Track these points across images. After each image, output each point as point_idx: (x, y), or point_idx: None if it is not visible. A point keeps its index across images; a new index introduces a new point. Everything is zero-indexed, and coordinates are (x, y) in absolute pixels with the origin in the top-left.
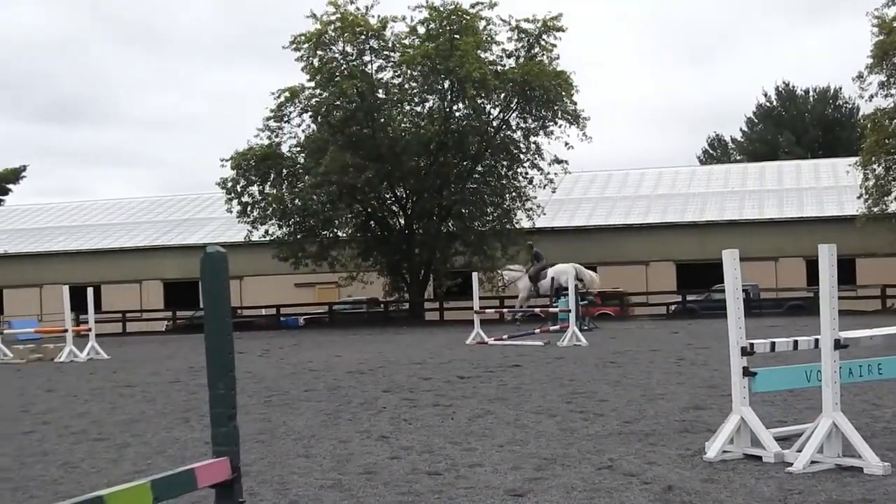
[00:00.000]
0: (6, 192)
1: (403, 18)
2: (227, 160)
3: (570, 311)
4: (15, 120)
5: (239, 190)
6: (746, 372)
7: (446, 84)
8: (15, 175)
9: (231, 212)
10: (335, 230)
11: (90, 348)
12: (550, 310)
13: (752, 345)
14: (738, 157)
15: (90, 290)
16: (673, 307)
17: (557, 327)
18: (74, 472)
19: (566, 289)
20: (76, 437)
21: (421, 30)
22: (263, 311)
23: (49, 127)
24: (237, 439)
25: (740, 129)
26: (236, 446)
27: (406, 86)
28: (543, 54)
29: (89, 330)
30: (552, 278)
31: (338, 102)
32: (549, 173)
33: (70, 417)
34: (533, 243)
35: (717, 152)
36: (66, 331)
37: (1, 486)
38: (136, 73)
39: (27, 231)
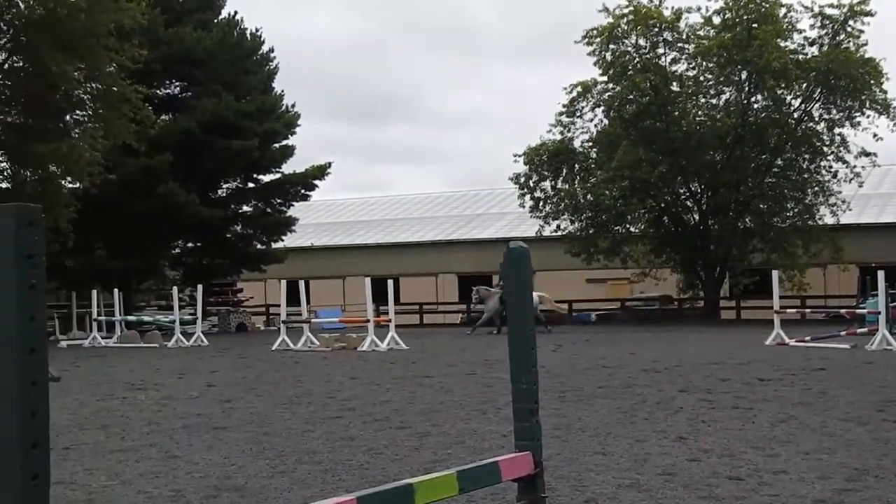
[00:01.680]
0: (313, 188)
1: (698, 9)
2: (520, 156)
3: (879, 313)
4: (324, 119)
5: (532, 185)
6: None
7: (743, 75)
8: (321, 172)
9: (524, 207)
10: (627, 225)
11: (390, 339)
12: (857, 311)
13: None
14: None
15: (390, 283)
16: None
17: (865, 330)
18: (379, 458)
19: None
20: (379, 425)
21: (716, 20)
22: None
23: (354, 125)
24: (539, 434)
25: None
26: (538, 441)
27: (701, 78)
28: (849, 41)
29: (389, 321)
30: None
31: (631, 96)
32: (855, 166)
33: (373, 405)
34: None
35: None
36: (367, 321)
37: (312, 469)
38: (436, 72)
39: (331, 225)
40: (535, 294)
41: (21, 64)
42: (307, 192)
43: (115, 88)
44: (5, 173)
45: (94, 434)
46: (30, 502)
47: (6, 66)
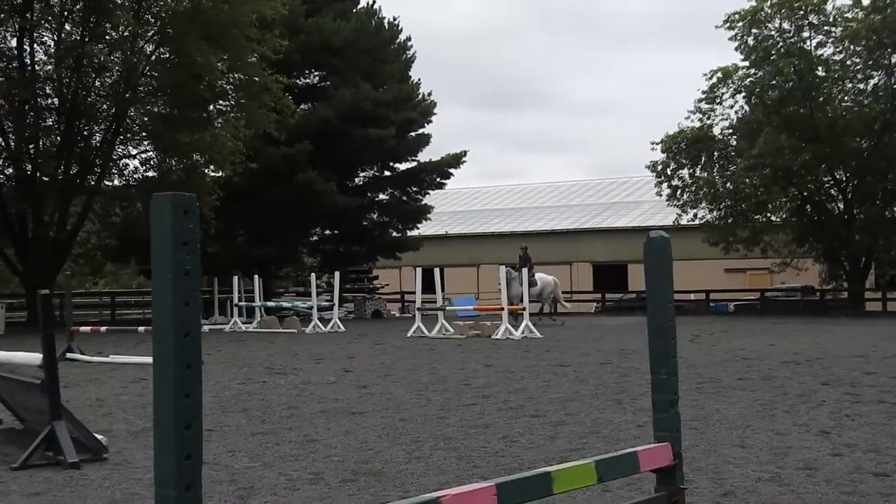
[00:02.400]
0: (448, 176)
1: None
2: (657, 143)
3: None
4: (459, 107)
5: (669, 173)
6: None
7: (894, 59)
8: (456, 160)
9: (660, 195)
10: (768, 214)
11: (524, 327)
12: None
13: None
14: None
15: (524, 271)
16: None
17: None
18: (514, 446)
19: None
20: (514, 413)
21: (866, 1)
22: (692, 296)
23: (489, 113)
24: (678, 425)
25: None
26: (678, 432)
27: (848, 62)
28: None
29: (523, 309)
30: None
31: (773, 82)
32: None
33: (508, 393)
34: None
35: None
36: (501, 309)
37: (448, 455)
38: (571, 58)
39: (466, 213)
40: (542, 277)
41: (167, 55)
42: (442, 181)
43: (256, 78)
44: (151, 162)
45: (235, 417)
46: (184, 481)
47: (153, 57)
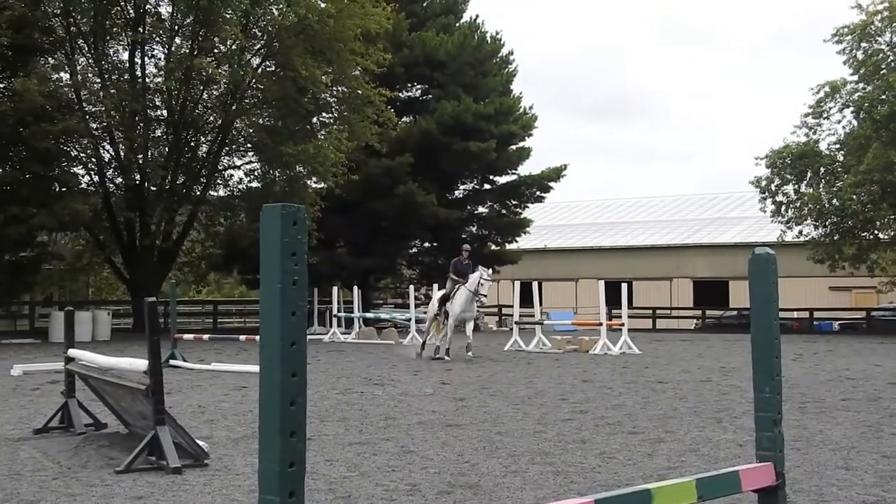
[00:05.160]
0: (548, 189)
1: None
2: (762, 158)
3: None
4: (561, 119)
5: (773, 189)
6: None
7: None
8: (557, 174)
9: (764, 211)
10: (875, 232)
11: (623, 342)
12: None
13: None
14: None
15: (624, 286)
16: None
17: None
18: (611, 463)
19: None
20: (612, 429)
21: None
22: (796, 314)
23: (591, 125)
24: (781, 445)
25: None
26: (781, 452)
27: None
28: None
29: (622, 324)
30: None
31: (883, 97)
32: None
33: (605, 409)
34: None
35: None
36: (600, 324)
37: (544, 470)
38: (676, 71)
39: (565, 227)
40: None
41: (273, 68)
42: (542, 194)
43: (359, 91)
44: (256, 173)
45: (334, 426)
46: (287, 487)
47: (259, 70)
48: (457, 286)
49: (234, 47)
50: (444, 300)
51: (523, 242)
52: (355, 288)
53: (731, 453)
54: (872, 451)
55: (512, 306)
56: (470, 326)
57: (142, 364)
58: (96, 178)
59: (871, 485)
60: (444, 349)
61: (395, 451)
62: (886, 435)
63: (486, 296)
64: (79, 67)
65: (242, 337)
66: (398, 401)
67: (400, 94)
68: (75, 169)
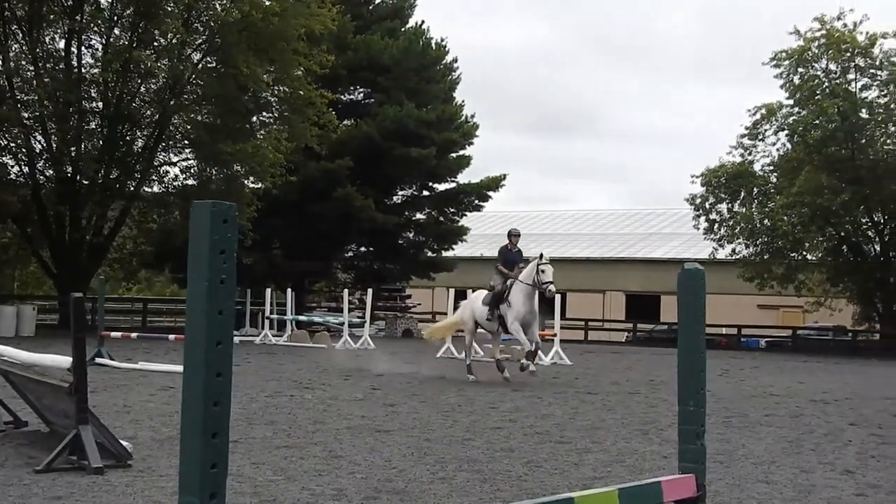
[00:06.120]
0: (487, 199)
1: (894, 35)
2: (697, 176)
3: None
4: (502, 130)
5: (707, 207)
6: None
7: None
8: (496, 183)
9: (698, 228)
10: (804, 253)
11: (554, 353)
12: None
13: None
14: None
15: (557, 297)
16: None
17: None
18: (538, 471)
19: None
20: (540, 438)
21: None
22: (724, 330)
23: (531, 138)
24: (703, 457)
25: None
26: (702, 464)
27: (893, 106)
28: None
29: (554, 335)
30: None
31: (817, 121)
32: None
33: (534, 418)
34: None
35: None
36: None
37: (471, 477)
38: (618, 87)
39: (501, 237)
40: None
41: (214, 64)
42: (481, 203)
43: (301, 92)
44: (193, 170)
45: (261, 429)
46: (207, 489)
47: (200, 66)
48: (509, 282)
49: (174, 41)
50: (498, 300)
51: (460, 250)
52: (289, 290)
53: (656, 465)
54: (792, 466)
55: (446, 314)
56: (533, 332)
57: (66, 361)
58: (26, 170)
59: (790, 499)
60: (503, 364)
61: (323, 455)
62: (806, 450)
63: (552, 282)
64: (11, 54)
65: (172, 336)
66: (328, 405)
67: (342, 97)
68: (4, 159)
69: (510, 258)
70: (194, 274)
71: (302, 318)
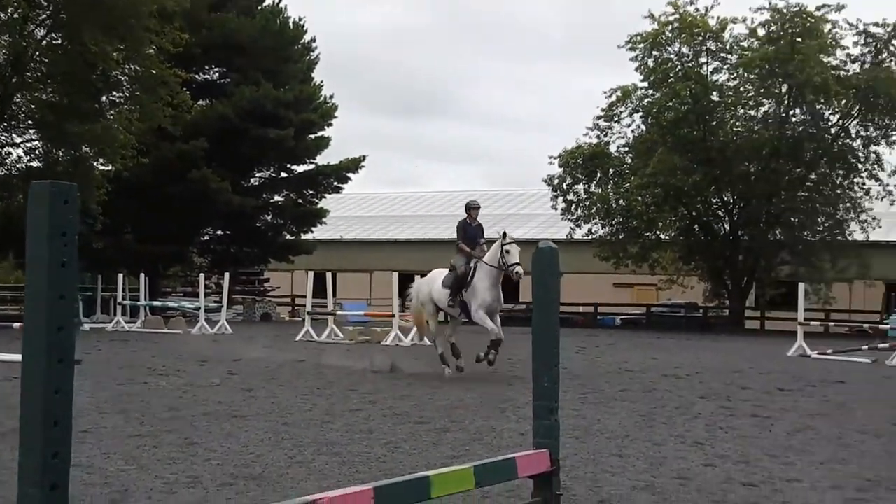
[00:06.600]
0: (346, 180)
1: (744, 20)
2: (555, 158)
3: None
4: (361, 112)
5: (565, 188)
6: None
7: (784, 88)
8: (355, 165)
9: (555, 209)
10: (658, 232)
11: (414, 333)
12: (880, 327)
13: None
14: None
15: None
16: None
17: (887, 345)
18: (397, 452)
19: None
20: (399, 419)
21: (761, 32)
22: (581, 309)
23: (391, 119)
24: (557, 433)
25: None
26: (556, 440)
27: (742, 89)
28: (892, 60)
29: None
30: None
31: (670, 104)
32: (888, 185)
33: (394, 399)
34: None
35: None
36: (393, 316)
37: (330, 460)
38: (479, 69)
39: (362, 219)
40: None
41: (60, 41)
42: (340, 185)
43: (153, 71)
44: (38, 152)
45: (113, 418)
46: (49, 480)
47: (45, 42)
48: (473, 263)
49: (15, 16)
50: (461, 285)
51: (319, 233)
52: (142, 275)
53: (514, 442)
54: (645, 440)
55: (305, 297)
56: (496, 321)
57: None
58: None
59: (642, 471)
60: (456, 356)
61: (178, 443)
62: (658, 424)
63: (519, 264)
64: None
65: (17, 325)
66: (183, 391)
67: (197, 77)
68: None
69: (470, 233)
70: (34, 257)
71: (156, 303)
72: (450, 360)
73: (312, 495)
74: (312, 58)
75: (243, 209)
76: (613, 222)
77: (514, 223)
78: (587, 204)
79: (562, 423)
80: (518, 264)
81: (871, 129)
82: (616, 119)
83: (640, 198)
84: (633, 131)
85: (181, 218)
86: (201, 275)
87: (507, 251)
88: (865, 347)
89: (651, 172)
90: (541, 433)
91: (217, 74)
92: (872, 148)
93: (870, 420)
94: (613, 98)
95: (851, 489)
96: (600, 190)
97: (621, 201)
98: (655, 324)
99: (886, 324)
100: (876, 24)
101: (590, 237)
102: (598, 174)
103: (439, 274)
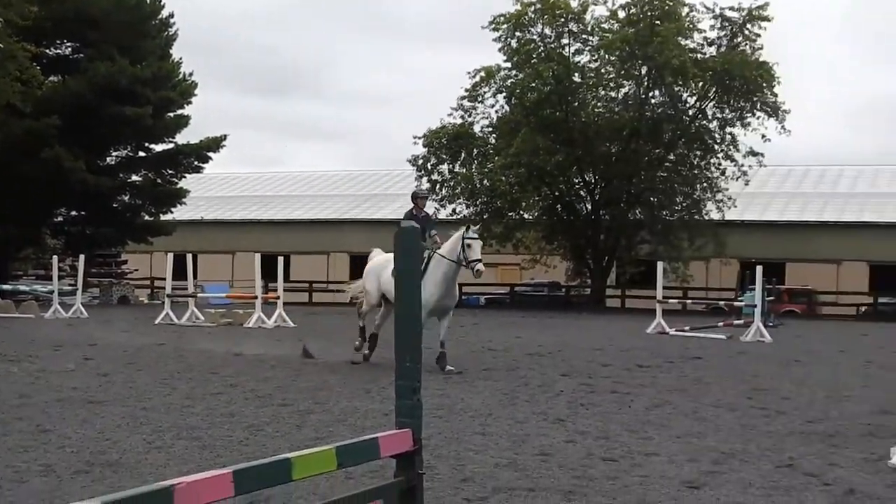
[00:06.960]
0: (206, 160)
1: (605, 2)
2: (419, 138)
3: (755, 306)
4: (223, 90)
5: (429, 168)
6: None
7: (643, 70)
8: (216, 144)
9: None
10: (521, 212)
11: (277, 316)
12: (735, 304)
13: None
14: None
15: (280, 259)
16: (863, 309)
17: (741, 322)
18: (259, 435)
19: None
20: (261, 401)
21: (622, 14)
22: None
23: (254, 98)
24: (420, 412)
25: None
26: (419, 419)
27: (602, 70)
28: (746, 44)
29: (277, 298)
30: None
31: (533, 84)
32: (742, 165)
33: (256, 382)
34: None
35: None
36: (255, 297)
37: (190, 445)
38: (343, 49)
39: (223, 199)
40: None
41: None
42: (200, 165)
43: (0, 45)
44: None
45: None
46: None
47: None
48: (426, 254)
49: None
50: None
51: (179, 213)
52: None
53: (378, 422)
54: (507, 418)
55: (164, 279)
56: (446, 320)
57: None
58: None
59: (505, 448)
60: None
61: (30, 430)
62: (521, 402)
63: (480, 261)
64: None
65: None
66: (35, 377)
67: (48, 51)
68: None
69: (419, 224)
70: None
71: (6, 287)
72: (365, 345)
73: (169, 480)
74: (171, 34)
75: (99, 189)
76: (478, 202)
77: (378, 203)
78: (451, 184)
79: (426, 402)
80: (480, 260)
81: (727, 111)
82: (480, 99)
83: (503, 178)
84: (496, 112)
85: (33, 198)
86: (55, 257)
87: (469, 245)
88: (721, 324)
89: (514, 153)
90: (403, 413)
91: (70, 49)
92: (728, 129)
93: (724, 394)
94: (477, 78)
95: (707, 462)
96: (465, 170)
97: (485, 181)
98: (519, 303)
99: (741, 301)
100: (731, 9)
101: (454, 217)
102: (463, 154)
103: (387, 260)
